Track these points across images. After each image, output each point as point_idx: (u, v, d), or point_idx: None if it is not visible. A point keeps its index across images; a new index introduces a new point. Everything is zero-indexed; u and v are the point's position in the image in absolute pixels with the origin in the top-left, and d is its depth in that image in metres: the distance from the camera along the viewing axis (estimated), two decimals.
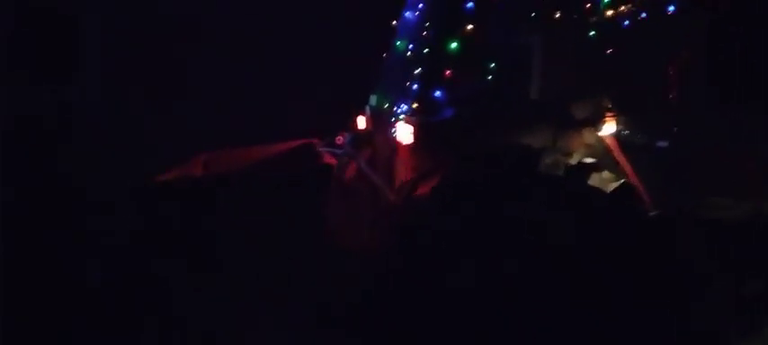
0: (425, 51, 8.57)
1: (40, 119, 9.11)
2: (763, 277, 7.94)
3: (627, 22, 9.74)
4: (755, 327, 7.44)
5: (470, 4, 8.46)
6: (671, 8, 9.56)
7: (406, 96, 8.57)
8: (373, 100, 9.40)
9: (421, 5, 9.14)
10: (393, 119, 8.60)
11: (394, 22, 9.47)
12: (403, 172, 8.45)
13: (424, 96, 8.62)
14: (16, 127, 8.60)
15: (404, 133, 8.29)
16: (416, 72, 8.57)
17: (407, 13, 9.36)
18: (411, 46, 8.84)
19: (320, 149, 8.94)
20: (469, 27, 8.49)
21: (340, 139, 9.04)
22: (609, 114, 8.98)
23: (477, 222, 7.46)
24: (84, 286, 7.36)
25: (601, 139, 9.02)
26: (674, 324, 7.25)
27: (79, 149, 9.15)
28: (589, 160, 8.55)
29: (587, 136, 9.00)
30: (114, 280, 7.45)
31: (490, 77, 8.99)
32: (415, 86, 8.62)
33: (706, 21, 9.69)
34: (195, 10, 9.94)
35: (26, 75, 9.12)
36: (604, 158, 8.92)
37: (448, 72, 8.57)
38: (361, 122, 9.32)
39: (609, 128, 9.01)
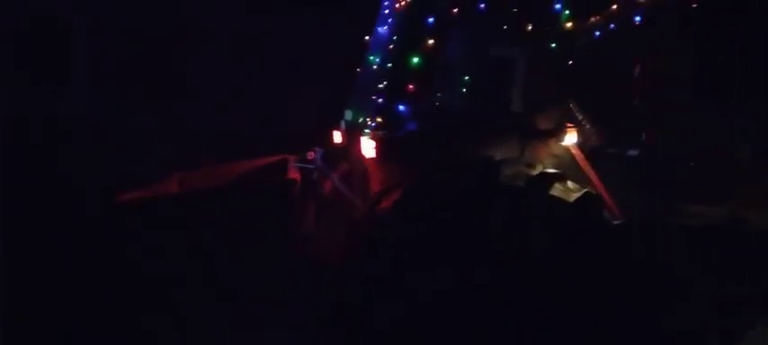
0: (389, 65, 8.64)
1: (39, 122, 9.29)
2: (740, 283, 8.04)
3: (597, 33, 9.82)
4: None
5: (431, 19, 8.51)
6: (637, 18, 9.60)
7: (375, 110, 8.67)
8: (348, 114, 9.49)
9: (390, 20, 9.25)
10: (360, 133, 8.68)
11: (367, 37, 9.56)
12: (373, 186, 8.55)
13: (387, 110, 8.69)
14: (15, 128, 8.79)
15: (366, 148, 8.37)
16: (380, 86, 8.64)
17: (379, 28, 9.46)
18: (377, 60, 8.93)
19: (291, 165, 9.05)
20: (431, 41, 8.52)
21: (311, 155, 9.15)
22: (570, 124, 9.03)
23: (436, 234, 7.56)
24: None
25: (566, 149, 9.07)
26: (642, 332, 7.33)
27: (76, 151, 9.31)
28: (551, 170, 8.60)
29: (554, 146, 9.06)
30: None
31: (454, 91, 9.06)
32: (380, 100, 8.70)
33: (677, 27, 9.74)
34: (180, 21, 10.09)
35: (24, 77, 9.30)
36: (570, 168, 8.97)
37: (411, 86, 8.62)
38: (337, 137, 9.41)
39: (570, 138, 9.07)
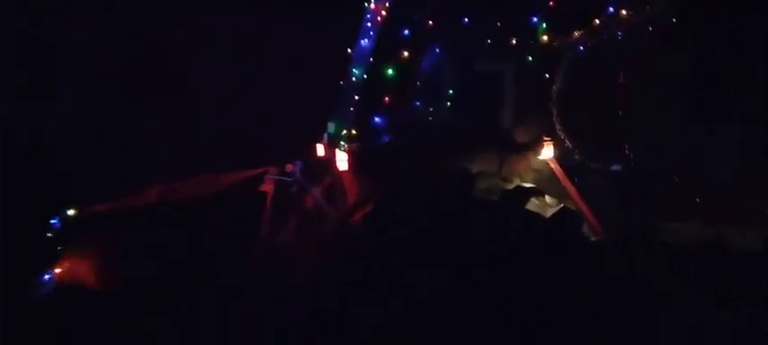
0: (364, 78, 8.57)
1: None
2: (723, 307, 7.91)
3: (580, 48, 9.73)
4: None
5: (407, 32, 8.45)
6: (618, 33, 9.52)
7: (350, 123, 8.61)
8: (331, 127, 9.44)
9: (371, 33, 9.20)
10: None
11: (349, 50, 9.51)
12: (348, 198, 8.49)
13: (362, 122, 8.62)
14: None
15: (340, 160, 8.30)
16: (356, 98, 8.58)
17: (362, 41, 9.42)
18: (359, 73, 8.88)
19: (268, 177, 8.99)
20: (405, 53, 8.46)
21: (290, 167, 9.09)
22: (546, 138, 8.92)
23: (406, 246, 7.49)
24: None
25: (545, 163, 8.95)
26: None
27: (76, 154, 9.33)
28: (528, 184, 8.49)
29: (533, 160, 8.95)
30: None
31: (432, 103, 8.99)
32: (356, 113, 8.64)
33: (662, 45, 9.64)
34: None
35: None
36: (549, 183, 8.86)
37: (386, 98, 8.55)
38: (321, 150, 9.36)
39: (547, 151, 8.95)
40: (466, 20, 8.91)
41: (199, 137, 9.84)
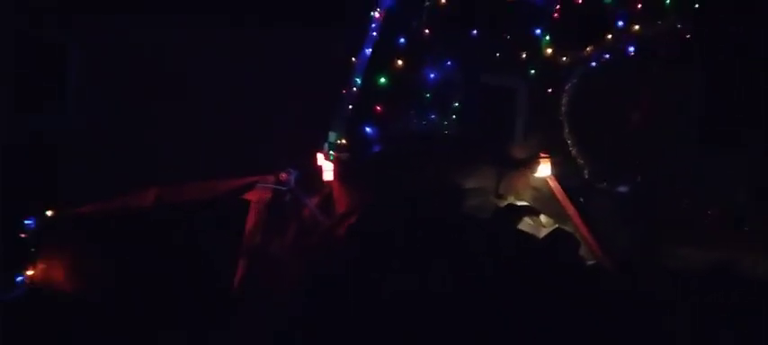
0: (355, 88, 8.35)
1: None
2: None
3: (592, 63, 9.40)
4: None
5: (402, 40, 8.20)
6: (631, 49, 9.15)
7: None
8: (332, 136, 9.24)
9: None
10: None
11: (353, 59, 9.32)
12: (337, 209, 8.27)
13: (353, 132, 8.39)
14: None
15: (325, 170, 8.09)
16: (349, 107, 8.36)
17: (366, 50, 9.20)
18: (357, 81, 8.67)
19: (260, 185, 8.81)
20: (399, 62, 8.22)
21: (284, 176, 8.89)
22: (543, 155, 8.57)
23: (387, 260, 7.27)
24: None
25: (544, 182, 8.61)
26: None
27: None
28: (521, 203, 8.16)
29: (532, 178, 8.63)
30: None
31: (433, 116, 8.72)
32: (347, 121, 8.42)
33: (681, 62, 9.28)
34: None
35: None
36: (548, 202, 8.52)
37: (378, 107, 8.31)
38: (320, 159, 9.16)
39: (544, 169, 8.60)
40: (469, 31, 8.60)
41: (198, 141, 9.77)
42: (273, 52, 10.00)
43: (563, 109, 9.20)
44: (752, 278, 8.27)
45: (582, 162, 9.23)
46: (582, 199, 9.21)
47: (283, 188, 8.94)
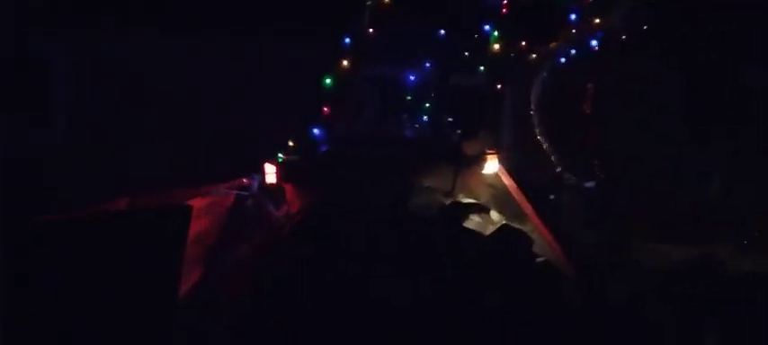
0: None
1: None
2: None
3: (561, 59, 9.27)
4: None
5: (347, 40, 8.19)
6: (594, 43, 8.96)
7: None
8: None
9: None
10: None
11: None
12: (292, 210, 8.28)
13: (301, 134, 8.40)
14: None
15: (268, 173, 8.11)
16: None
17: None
18: None
19: (222, 190, 8.86)
20: (345, 63, 8.21)
21: (246, 181, 8.95)
22: (489, 152, 8.43)
23: (327, 261, 7.25)
24: None
25: (498, 179, 8.47)
26: None
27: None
28: (467, 200, 8.03)
29: (486, 176, 8.49)
30: None
31: (388, 117, 8.69)
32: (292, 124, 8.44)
33: (645, 54, 9.06)
34: None
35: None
36: (505, 199, 8.37)
37: (325, 108, 8.31)
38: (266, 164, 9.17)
39: (491, 165, 8.45)
40: (415, 29, 8.54)
41: (170, 149, 9.88)
42: (249, 65, 10.05)
43: (532, 104, 9.08)
44: (728, 272, 8.02)
45: (552, 158, 9.09)
46: (552, 197, 9.09)
47: (245, 192, 9.00)
